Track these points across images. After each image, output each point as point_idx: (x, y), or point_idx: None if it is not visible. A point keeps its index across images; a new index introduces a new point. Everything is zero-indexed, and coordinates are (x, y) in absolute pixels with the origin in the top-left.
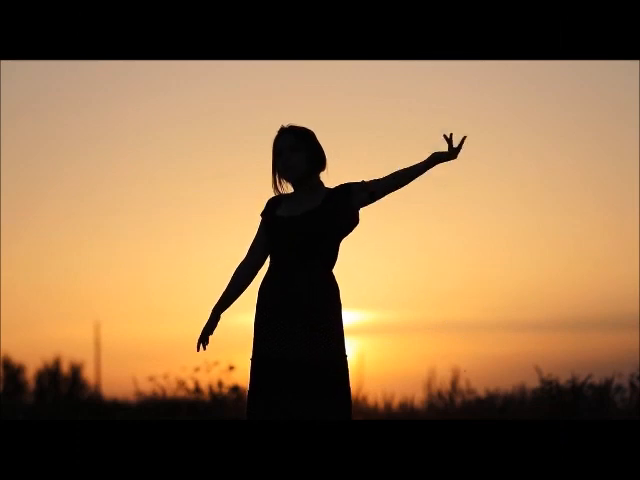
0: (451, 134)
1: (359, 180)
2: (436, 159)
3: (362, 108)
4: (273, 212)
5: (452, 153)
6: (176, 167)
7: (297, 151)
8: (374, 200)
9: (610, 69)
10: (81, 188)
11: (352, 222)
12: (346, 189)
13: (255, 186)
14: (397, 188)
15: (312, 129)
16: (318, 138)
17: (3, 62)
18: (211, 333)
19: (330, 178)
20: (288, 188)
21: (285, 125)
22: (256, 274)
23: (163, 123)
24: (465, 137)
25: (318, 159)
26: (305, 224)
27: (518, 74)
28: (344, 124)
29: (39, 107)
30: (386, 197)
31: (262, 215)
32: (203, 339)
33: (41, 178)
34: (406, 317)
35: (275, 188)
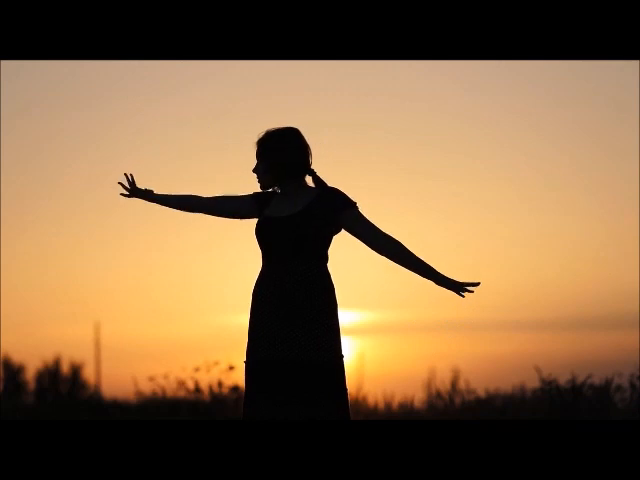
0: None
1: (354, 202)
2: (445, 283)
3: (362, 108)
4: (262, 211)
5: (457, 290)
6: (176, 167)
7: (259, 161)
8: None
9: (610, 69)
10: (81, 188)
11: (333, 230)
12: (339, 205)
13: (256, 187)
14: (389, 257)
15: (311, 129)
16: (317, 138)
17: (3, 62)
18: (136, 191)
19: (329, 178)
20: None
21: (264, 131)
22: (195, 212)
23: (164, 123)
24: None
25: (280, 167)
26: (289, 226)
27: (518, 74)
28: (343, 124)
29: (39, 107)
30: (387, 198)
31: (256, 198)
32: (130, 185)
33: (41, 178)
34: (406, 317)
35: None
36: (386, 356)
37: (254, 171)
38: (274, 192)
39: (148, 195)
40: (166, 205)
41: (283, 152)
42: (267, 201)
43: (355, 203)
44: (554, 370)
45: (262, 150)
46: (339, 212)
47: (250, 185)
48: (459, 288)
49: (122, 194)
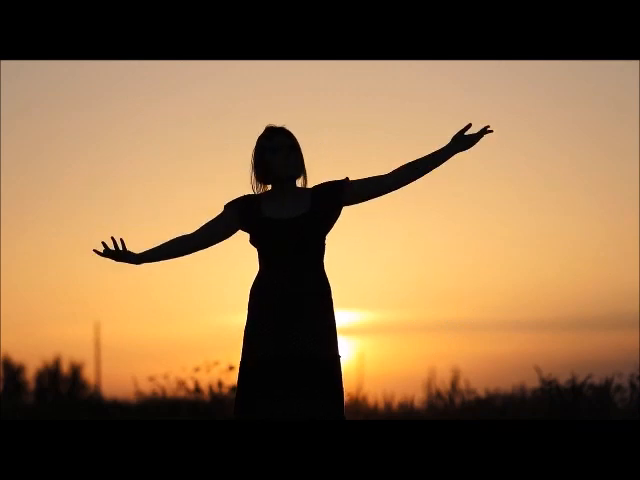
0: (469, 124)
1: (345, 177)
2: (453, 148)
3: (362, 108)
4: (257, 214)
5: (472, 141)
6: (176, 167)
7: (296, 152)
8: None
9: (610, 69)
10: (81, 188)
11: (337, 217)
12: (336, 187)
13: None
14: (405, 183)
15: (311, 129)
16: (317, 138)
17: (3, 62)
18: (117, 252)
19: (329, 178)
20: (266, 188)
21: (275, 125)
22: (188, 253)
23: (164, 123)
24: (487, 127)
25: (302, 166)
26: (301, 227)
27: (518, 74)
28: (343, 124)
29: (39, 107)
30: (387, 198)
31: (232, 208)
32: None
33: (41, 178)
34: (406, 317)
35: (253, 187)
36: (386, 356)
37: (287, 160)
38: (250, 195)
39: (137, 259)
40: (158, 259)
41: (300, 152)
42: (252, 205)
43: (345, 179)
44: (554, 370)
45: (294, 145)
46: (338, 203)
47: (249, 186)
48: (477, 136)
49: (96, 251)
